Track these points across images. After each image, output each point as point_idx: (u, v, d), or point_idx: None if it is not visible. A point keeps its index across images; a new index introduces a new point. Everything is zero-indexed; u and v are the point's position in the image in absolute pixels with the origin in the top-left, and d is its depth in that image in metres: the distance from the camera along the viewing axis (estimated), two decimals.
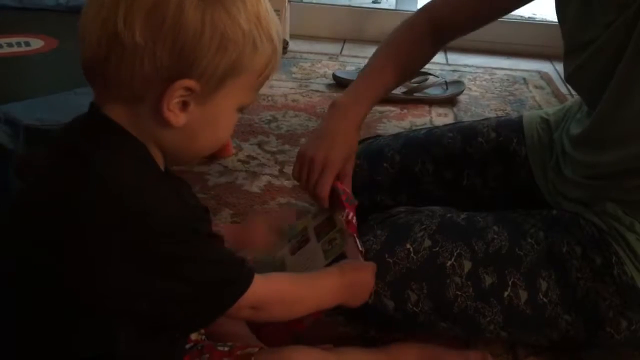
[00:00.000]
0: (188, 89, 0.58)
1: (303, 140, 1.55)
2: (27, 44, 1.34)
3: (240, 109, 0.64)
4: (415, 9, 2.36)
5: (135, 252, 0.56)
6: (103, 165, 0.57)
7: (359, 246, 0.86)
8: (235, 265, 0.64)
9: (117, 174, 0.57)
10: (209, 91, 0.59)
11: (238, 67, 0.59)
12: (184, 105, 0.59)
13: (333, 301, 0.78)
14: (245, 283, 0.64)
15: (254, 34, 0.59)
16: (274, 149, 1.50)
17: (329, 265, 0.85)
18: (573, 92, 1.93)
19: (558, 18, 0.92)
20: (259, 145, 1.52)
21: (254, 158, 1.46)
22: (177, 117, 0.59)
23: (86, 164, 0.57)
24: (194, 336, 0.75)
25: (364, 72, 1.02)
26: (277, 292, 0.71)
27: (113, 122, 0.59)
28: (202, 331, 0.78)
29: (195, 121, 0.60)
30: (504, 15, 1.01)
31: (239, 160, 1.44)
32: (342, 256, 0.85)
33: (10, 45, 1.33)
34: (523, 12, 2.52)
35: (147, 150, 0.61)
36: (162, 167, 0.63)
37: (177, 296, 0.59)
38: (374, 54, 1.04)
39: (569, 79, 0.93)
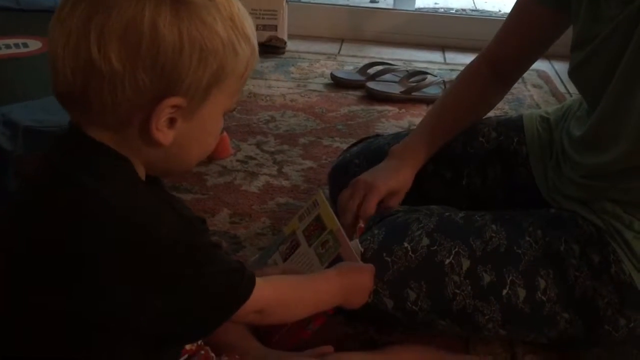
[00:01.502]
0: (175, 106, 0.56)
1: (302, 140, 1.55)
2: (25, 45, 1.34)
3: (227, 112, 0.63)
4: (413, 8, 2.36)
5: (138, 272, 0.55)
6: (99, 189, 0.56)
7: (360, 248, 0.87)
8: (237, 273, 0.64)
9: (113, 197, 0.56)
10: (195, 105, 0.58)
11: (221, 75, 0.58)
12: (171, 122, 0.58)
13: (332, 302, 0.79)
14: (248, 289, 0.64)
15: (232, 39, 0.57)
16: (273, 149, 1.50)
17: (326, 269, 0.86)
18: (572, 91, 1.93)
19: (571, 14, 0.92)
20: (258, 145, 1.52)
21: (252, 158, 1.46)
22: (166, 136, 0.57)
23: (82, 190, 0.56)
24: (188, 346, 0.74)
25: (422, 123, 1.07)
26: (278, 295, 0.71)
27: (100, 144, 0.57)
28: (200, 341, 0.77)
29: (183, 135, 0.59)
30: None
31: (237, 161, 1.44)
32: (337, 259, 0.86)
33: (8, 46, 1.33)
34: None
35: (133, 168, 0.59)
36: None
37: (181, 309, 0.59)
38: (435, 104, 1.10)
39: (572, 73, 0.93)
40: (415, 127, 1.61)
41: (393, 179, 0.97)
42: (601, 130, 0.87)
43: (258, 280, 0.66)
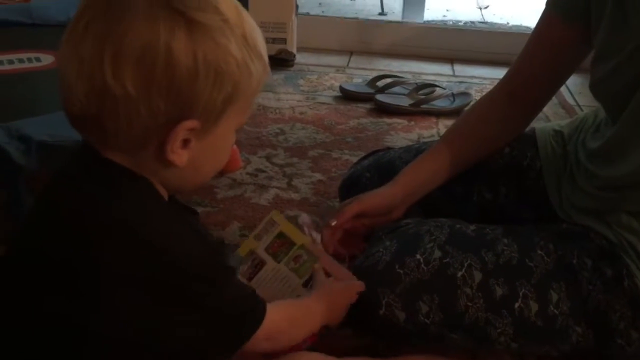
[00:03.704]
0: (190, 128, 0.56)
1: (311, 152, 1.55)
2: (38, 59, 1.36)
3: (238, 129, 0.63)
4: (421, 21, 2.36)
5: (157, 294, 0.56)
6: (124, 212, 0.56)
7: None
8: (251, 298, 0.65)
9: (138, 220, 0.56)
10: (209, 125, 0.58)
11: (235, 95, 0.57)
12: (185, 143, 0.57)
13: (321, 323, 0.80)
14: (261, 314, 0.65)
15: (246, 59, 0.57)
16: (282, 162, 1.51)
17: (304, 283, 0.86)
18: (581, 104, 1.93)
19: (591, 24, 0.90)
20: (267, 158, 1.52)
21: (262, 171, 1.46)
22: (181, 157, 0.57)
23: (106, 213, 0.56)
24: None
25: (430, 148, 1.04)
26: (285, 320, 0.72)
27: (119, 166, 0.57)
28: None
29: (197, 155, 0.59)
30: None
31: (247, 174, 1.45)
32: (315, 272, 0.87)
33: (21, 61, 1.35)
34: (530, 23, 2.53)
35: (156, 189, 0.60)
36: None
37: (198, 332, 0.59)
38: (450, 127, 1.06)
39: (594, 87, 0.91)
40: (424, 140, 1.63)
41: (379, 195, 0.98)
42: (622, 142, 0.86)
43: (268, 306, 0.66)
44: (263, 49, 0.60)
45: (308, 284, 0.87)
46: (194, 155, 0.58)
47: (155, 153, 0.57)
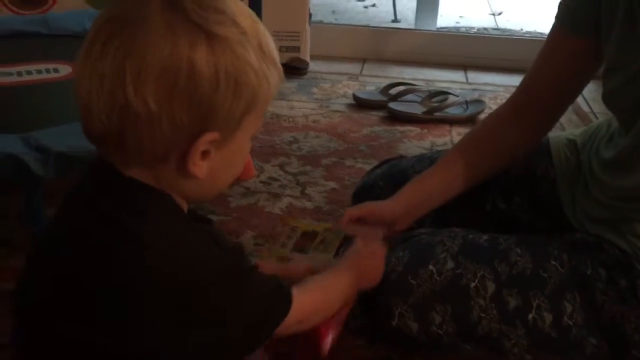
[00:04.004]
0: (211, 140, 0.56)
1: (324, 161, 1.56)
2: (56, 70, 1.37)
3: (254, 136, 0.63)
4: (434, 29, 2.36)
5: (183, 308, 0.56)
6: (142, 228, 0.56)
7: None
8: (275, 290, 0.65)
9: (157, 235, 0.56)
10: (228, 135, 0.58)
11: (253, 105, 0.58)
12: (204, 154, 0.58)
13: (353, 294, 0.80)
14: (286, 304, 0.66)
15: (263, 69, 0.58)
16: (295, 170, 1.51)
17: (336, 255, 0.88)
18: (595, 110, 1.92)
19: (601, 37, 0.89)
20: (281, 166, 1.53)
21: (275, 179, 1.47)
22: (202, 169, 0.58)
23: (123, 229, 0.56)
24: None
25: (439, 161, 1.03)
26: (314, 302, 0.72)
27: (137, 182, 0.57)
28: None
29: (216, 165, 0.59)
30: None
31: (260, 182, 1.46)
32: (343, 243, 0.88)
33: (39, 72, 1.36)
34: (543, 29, 2.52)
35: (175, 202, 0.60)
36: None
37: (221, 338, 0.60)
38: (461, 140, 1.05)
39: (606, 98, 0.90)
40: (437, 148, 1.63)
41: (379, 206, 0.98)
42: (635, 153, 0.86)
43: (294, 292, 0.67)
44: (276, 55, 0.60)
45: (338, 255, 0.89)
46: (213, 166, 0.59)
47: (177, 166, 0.57)
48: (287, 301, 0.66)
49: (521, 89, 1.01)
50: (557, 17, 0.96)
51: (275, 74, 0.60)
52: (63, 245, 0.59)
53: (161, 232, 0.57)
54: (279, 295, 0.65)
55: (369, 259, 0.84)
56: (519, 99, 1.01)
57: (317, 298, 0.73)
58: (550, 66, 0.97)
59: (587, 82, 0.97)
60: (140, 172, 0.58)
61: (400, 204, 0.98)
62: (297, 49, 2.14)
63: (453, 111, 1.85)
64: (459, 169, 1.00)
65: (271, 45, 0.60)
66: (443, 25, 2.61)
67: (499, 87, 2.14)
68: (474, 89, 2.10)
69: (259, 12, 1.31)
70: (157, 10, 0.54)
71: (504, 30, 2.71)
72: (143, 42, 0.53)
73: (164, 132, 0.54)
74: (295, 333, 0.71)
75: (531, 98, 0.99)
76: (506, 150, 1.01)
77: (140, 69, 0.52)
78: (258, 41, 0.58)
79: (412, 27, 2.50)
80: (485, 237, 0.93)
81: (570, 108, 1.94)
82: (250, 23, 0.58)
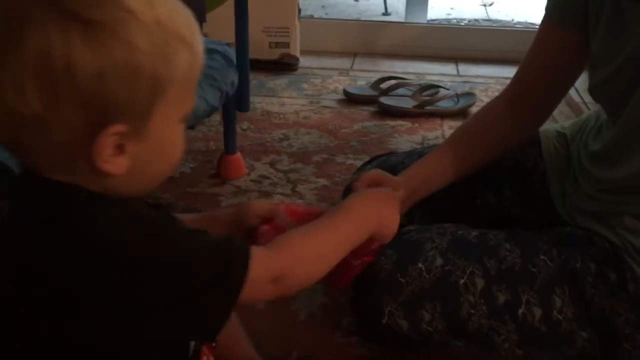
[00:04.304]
0: (117, 134, 0.52)
1: (315, 158, 1.55)
2: None
3: (184, 120, 0.58)
4: (425, 21, 2.35)
5: (127, 293, 0.53)
6: (74, 225, 0.53)
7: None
8: (224, 250, 0.57)
9: (97, 229, 0.53)
10: (140, 125, 0.53)
11: (159, 88, 0.53)
12: (120, 149, 0.53)
13: (362, 236, 0.70)
14: (242, 260, 0.57)
15: (159, 48, 0.52)
16: (286, 168, 1.51)
17: None
18: (587, 100, 1.92)
19: (589, 29, 0.89)
20: (271, 164, 1.53)
21: (266, 177, 1.46)
22: (117, 165, 0.53)
23: (58, 227, 0.53)
24: None
25: (434, 150, 1.03)
26: (290, 254, 0.62)
27: (56, 183, 0.54)
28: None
29: (140, 157, 0.55)
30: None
31: (251, 180, 1.45)
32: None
33: None
34: (534, 20, 2.51)
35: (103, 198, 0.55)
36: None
37: (183, 308, 0.55)
38: (455, 132, 1.04)
39: (592, 91, 0.91)
40: (428, 142, 1.62)
41: (390, 177, 0.96)
42: (621, 144, 0.86)
43: (258, 248, 0.59)
44: (188, 31, 0.54)
45: None
46: (137, 159, 0.55)
47: (89, 165, 0.53)
48: (244, 256, 0.57)
49: (515, 80, 1.01)
50: (546, 9, 0.96)
51: (183, 52, 0.54)
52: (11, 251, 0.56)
53: (81, 230, 0.53)
54: (232, 254, 0.57)
55: (376, 200, 0.73)
56: (512, 91, 1.01)
57: (295, 250, 0.63)
58: (542, 58, 0.97)
59: (580, 72, 0.97)
60: (60, 175, 0.54)
61: (403, 182, 0.97)
62: (286, 44, 2.13)
63: (444, 105, 1.84)
64: (449, 160, 1.00)
65: (178, 21, 0.54)
66: (434, 17, 2.60)
67: (490, 79, 2.14)
68: (465, 82, 2.10)
69: (246, 8, 1.30)
70: (29, 4, 0.49)
71: (495, 21, 2.71)
72: (15, 41, 0.49)
73: (58, 133, 0.51)
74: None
75: (524, 89, 0.99)
76: (500, 142, 1.01)
77: (15, 71, 0.49)
78: (155, 17, 0.52)
79: (403, 19, 2.49)
80: (474, 232, 0.93)
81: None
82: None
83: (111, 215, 0.54)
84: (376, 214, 0.72)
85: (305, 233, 0.65)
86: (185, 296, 0.55)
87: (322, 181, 1.45)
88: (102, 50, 0.49)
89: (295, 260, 0.62)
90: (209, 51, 1.29)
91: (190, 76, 0.55)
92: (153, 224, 0.55)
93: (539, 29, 0.98)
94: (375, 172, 0.97)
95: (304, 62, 2.19)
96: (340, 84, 2.03)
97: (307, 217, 0.71)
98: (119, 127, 0.52)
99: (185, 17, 0.55)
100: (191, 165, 1.50)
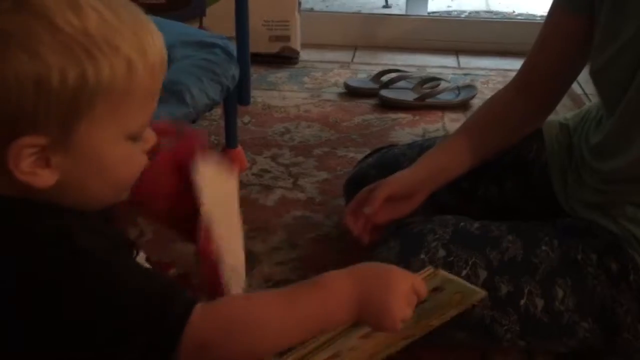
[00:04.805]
0: (33, 145, 0.49)
1: (316, 151, 1.55)
2: None
3: (133, 137, 0.54)
4: (425, 13, 2.34)
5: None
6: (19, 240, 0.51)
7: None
8: (167, 289, 0.53)
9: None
10: (63, 138, 0.50)
11: (76, 99, 0.49)
12: (45, 161, 0.50)
13: (340, 319, 0.57)
14: (183, 312, 0.51)
15: (75, 58, 0.48)
16: (288, 162, 1.51)
17: None
18: (588, 92, 1.91)
19: (593, 11, 0.89)
20: (273, 158, 1.53)
21: (267, 171, 1.47)
22: (40, 177, 0.50)
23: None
24: None
25: (448, 138, 1.04)
26: (221, 320, 0.53)
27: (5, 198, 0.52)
28: None
29: (72, 172, 0.52)
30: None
31: (252, 174, 1.45)
32: None
33: None
34: (535, 11, 2.51)
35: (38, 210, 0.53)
36: None
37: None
38: (468, 120, 1.05)
39: (594, 74, 0.90)
40: (429, 135, 1.62)
41: (406, 177, 0.97)
42: (621, 134, 0.86)
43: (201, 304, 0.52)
44: (128, 41, 0.50)
45: None
46: (68, 172, 0.51)
47: (10, 179, 0.50)
48: (185, 306, 0.51)
49: (524, 67, 1.01)
50: None
51: (114, 62, 0.49)
52: None
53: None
54: (171, 295, 0.52)
55: (370, 280, 0.58)
56: (522, 77, 1.01)
57: (232, 316, 0.53)
58: (551, 44, 0.97)
59: (588, 58, 0.97)
60: (8, 189, 0.52)
61: (419, 174, 0.97)
62: (287, 38, 2.12)
63: (445, 97, 1.84)
64: (465, 148, 0.99)
65: (114, 27, 0.50)
66: (434, 10, 2.59)
67: (491, 71, 2.13)
68: (466, 74, 2.09)
69: (246, 2, 1.30)
70: None
71: (496, 12, 2.70)
72: None
73: None
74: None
75: (534, 76, 0.99)
76: (513, 129, 1.02)
77: None
78: (78, 26, 0.48)
79: (403, 12, 2.48)
80: (476, 224, 0.93)
81: None
82: (67, 5, 0.48)
83: (40, 228, 0.51)
84: (365, 297, 0.57)
85: (277, 296, 0.56)
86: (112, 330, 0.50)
87: (324, 174, 1.45)
88: (4, 60, 0.47)
89: (228, 329, 0.53)
90: (210, 45, 1.29)
91: (127, 89, 0.50)
92: (82, 242, 0.51)
93: (547, 14, 0.98)
94: (386, 188, 0.95)
95: (304, 55, 2.19)
96: (341, 77, 2.03)
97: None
98: (34, 139, 0.49)
99: (129, 26, 0.50)
100: None
